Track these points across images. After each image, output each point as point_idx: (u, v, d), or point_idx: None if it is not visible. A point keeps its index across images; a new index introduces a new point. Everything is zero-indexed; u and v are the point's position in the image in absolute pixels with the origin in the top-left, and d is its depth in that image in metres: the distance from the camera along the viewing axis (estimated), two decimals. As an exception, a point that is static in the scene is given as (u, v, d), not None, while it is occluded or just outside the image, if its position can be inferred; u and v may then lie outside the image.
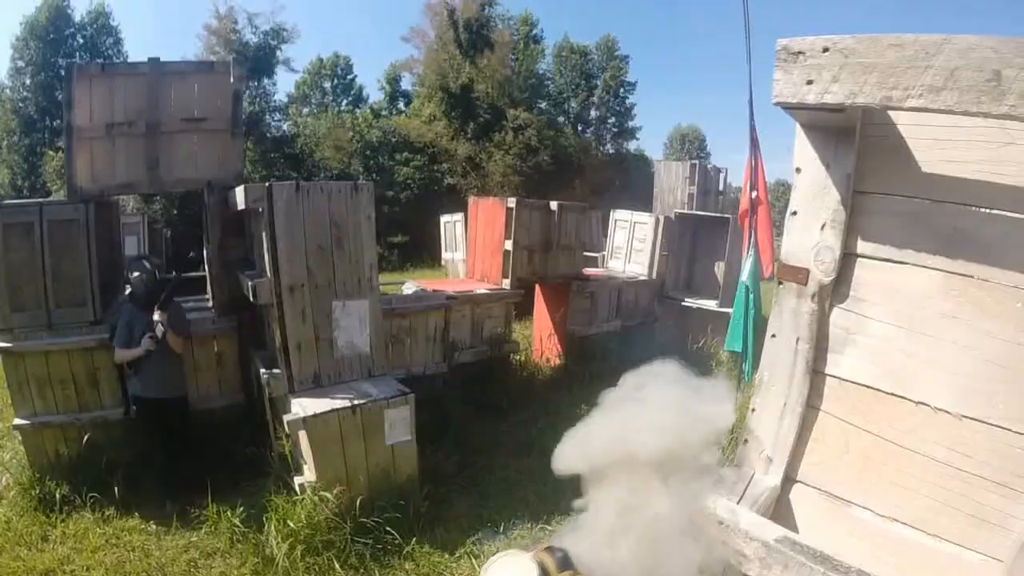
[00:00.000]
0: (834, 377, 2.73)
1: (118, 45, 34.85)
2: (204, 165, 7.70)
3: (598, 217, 18.17)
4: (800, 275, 2.69)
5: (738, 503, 2.69)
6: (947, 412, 2.44)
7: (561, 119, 45.75)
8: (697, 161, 19.48)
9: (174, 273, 7.66)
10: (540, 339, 11.61)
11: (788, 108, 2.41)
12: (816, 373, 2.74)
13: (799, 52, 2.31)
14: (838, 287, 2.65)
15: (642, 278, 12.79)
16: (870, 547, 2.58)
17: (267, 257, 6.27)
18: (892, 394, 2.57)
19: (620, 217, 13.83)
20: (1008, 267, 2.26)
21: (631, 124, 48.85)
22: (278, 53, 37.46)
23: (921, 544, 2.51)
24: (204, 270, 8.38)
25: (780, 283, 2.80)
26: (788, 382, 2.79)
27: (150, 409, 6.54)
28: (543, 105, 44.76)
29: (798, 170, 2.70)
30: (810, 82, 2.28)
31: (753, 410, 2.96)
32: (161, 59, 7.58)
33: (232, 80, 7.75)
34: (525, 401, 9.24)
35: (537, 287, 11.67)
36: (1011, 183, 2.22)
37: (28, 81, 32.01)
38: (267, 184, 6.22)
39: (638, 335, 11.91)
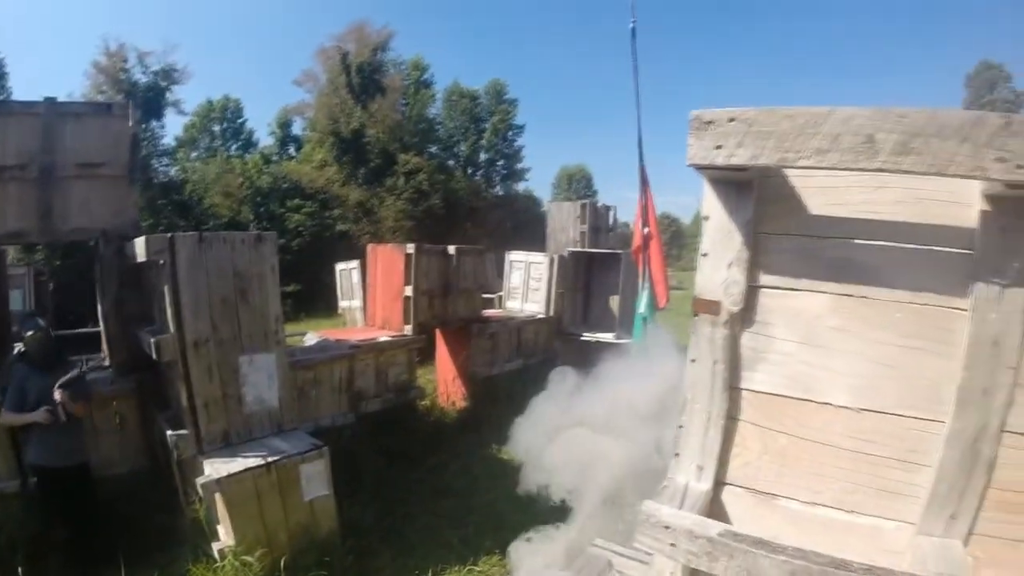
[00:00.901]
0: (749, 390, 3.16)
1: (1, 79, 32.50)
2: (99, 213, 7.38)
3: (492, 259, 18.54)
4: (713, 307, 3.13)
5: (679, 509, 3.01)
6: (848, 408, 2.92)
7: (451, 162, 46.41)
8: (587, 200, 20.21)
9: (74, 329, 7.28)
10: (445, 383, 11.75)
11: (699, 168, 2.89)
12: (733, 389, 3.16)
13: (709, 121, 2.77)
14: (746, 314, 3.10)
15: (540, 316, 13.20)
16: (799, 530, 2.97)
17: (170, 312, 6.16)
18: (800, 399, 3.04)
19: (515, 258, 14.24)
20: (885, 285, 2.82)
21: (520, 166, 50.22)
22: (168, 94, 36.38)
23: (843, 520, 2.96)
24: (94, 325, 8.05)
25: (696, 314, 3.19)
26: (709, 399, 3.20)
27: (49, 479, 5.98)
28: (433, 149, 45.28)
29: (706, 217, 3.14)
30: (719, 147, 2.75)
31: (681, 427, 3.30)
32: (57, 99, 7.32)
33: (130, 123, 7.57)
34: (436, 446, 9.35)
35: (438, 331, 11.84)
36: (884, 219, 2.80)
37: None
38: (169, 235, 6.17)
39: (540, 372, 12.23)
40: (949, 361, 2.70)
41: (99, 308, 7.70)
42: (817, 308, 2.96)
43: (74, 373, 5.99)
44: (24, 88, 44.31)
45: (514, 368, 12.07)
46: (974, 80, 46.07)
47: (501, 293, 15.08)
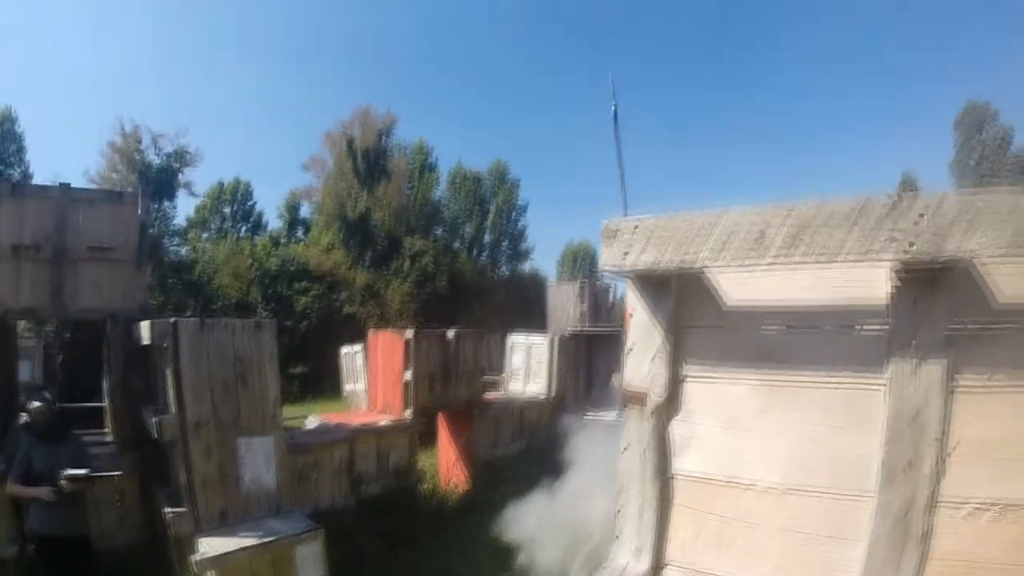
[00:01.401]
0: (680, 475, 3.25)
1: (20, 153, 33.26)
2: (109, 295, 7.68)
3: (496, 340, 18.68)
4: (640, 398, 3.26)
5: (622, 590, 3.11)
6: (774, 488, 2.96)
7: (457, 244, 47.04)
8: (586, 280, 20.49)
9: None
10: (447, 465, 11.70)
11: (612, 272, 3.13)
12: (665, 474, 3.26)
13: (617, 230, 3.06)
14: (672, 404, 3.21)
15: (542, 397, 13.22)
16: (739, 607, 3.04)
17: (171, 393, 6.33)
18: (727, 482, 3.09)
19: (516, 339, 14.40)
20: (803, 368, 2.90)
21: (524, 246, 50.87)
22: (180, 176, 37.37)
23: (782, 595, 3.01)
24: (99, 400, 8.16)
25: (625, 406, 3.35)
26: (642, 484, 3.29)
27: (50, 548, 6.05)
28: (439, 232, 46.03)
29: (631, 314, 3.34)
30: (626, 253, 3.02)
31: (619, 511, 3.40)
32: (71, 185, 7.69)
33: (139, 211, 7.92)
34: (437, 529, 9.25)
35: (440, 414, 11.86)
36: (796, 304, 2.92)
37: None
38: (172, 320, 6.38)
39: (543, 455, 12.18)
40: (872, 436, 2.73)
41: (105, 384, 7.86)
42: (739, 394, 3.05)
43: (82, 473, 6.05)
44: (42, 164, 45.38)
45: (517, 450, 12.04)
46: (962, 122, 46.93)
47: (504, 374, 15.13)
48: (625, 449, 3.36)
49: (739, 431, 3.05)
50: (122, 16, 61.87)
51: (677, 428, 3.22)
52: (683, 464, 3.23)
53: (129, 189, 28.30)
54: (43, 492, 5.90)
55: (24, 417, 6.43)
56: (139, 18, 63.53)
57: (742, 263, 2.72)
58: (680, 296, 3.17)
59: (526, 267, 51.16)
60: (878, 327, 2.69)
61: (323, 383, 25.70)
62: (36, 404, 6.23)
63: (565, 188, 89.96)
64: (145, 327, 6.62)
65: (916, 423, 2.62)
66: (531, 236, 51.43)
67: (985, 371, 2.53)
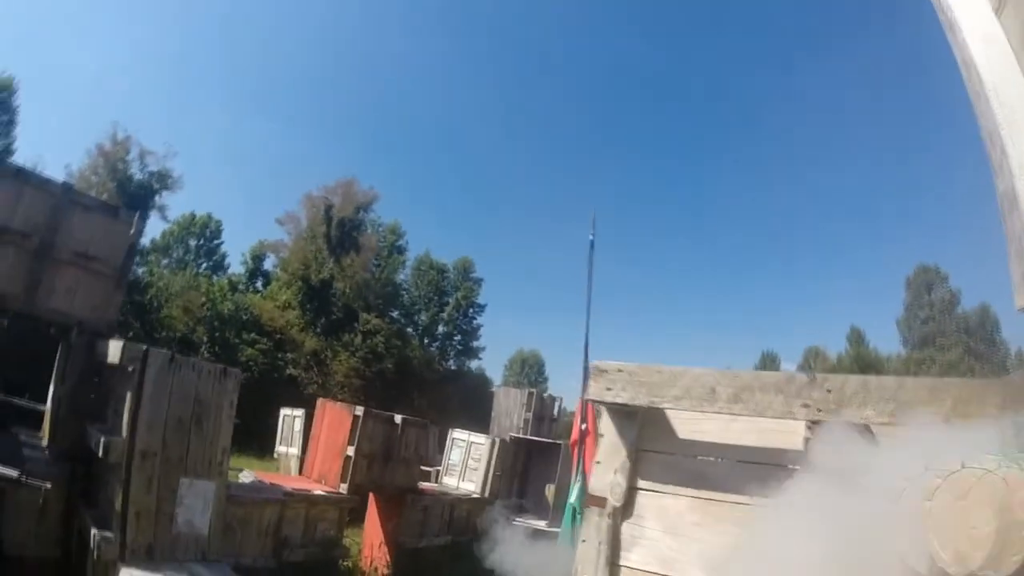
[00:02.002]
0: (626, 567, 3.90)
1: (10, 126, 32.54)
2: (81, 303, 7.59)
3: (436, 432, 18.60)
4: (601, 502, 4.02)
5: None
6: None
7: (410, 330, 47.06)
8: (534, 389, 20.70)
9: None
10: (371, 547, 11.47)
11: (596, 403, 4.04)
12: (614, 565, 3.90)
13: (604, 370, 3.95)
14: (626, 509, 3.95)
15: (475, 496, 13.17)
16: None
17: (126, 417, 6.29)
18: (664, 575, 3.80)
19: (458, 436, 14.44)
20: (731, 491, 3.65)
21: (476, 343, 50.98)
22: (157, 197, 37.04)
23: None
24: (30, 396, 7.92)
25: (587, 507, 4.12)
26: (595, 573, 3.91)
27: None
28: (395, 314, 46.09)
29: (602, 435, 4.19)
30: (609, 388, 3.89)
31: None
32: (74, 185, 7.69)
33: (132, 232, 7.97)
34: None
35: (372, 495, 11.73)
36: (732, 443, 3.72)
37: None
38: (144, 348, 6.41)
39: (468, 551, 12.04)
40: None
41: (51, 390, 7.67)
42: (679, 506, 3.80)
43: (12, 475, 5.87)
44: (27, 143, 44.30)
45: (442, 543, 11.90)
46: (913, 282, 49.40)
47: (439, 467, 15.06)
48: (583, 541, 4.02)
49: (676, 535, 3.78)
50: (143, 26, 63.18)
51: (628, 529, 3.92)
52: (630, 559, 3.89)
53: (105, 196, 28.36)
54: None
55: None
56: (159, 34, 64.93)
57: (696, 409, 3.63)
58: (642, 426, 3.99)
59: (474, 365, 51.17)
60: (792, 465, 3.42)
61: (251, 440, 24.85)
62: None
63: (522, 295, 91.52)
64: (115, 347, 6.61)
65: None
66: (483, 337, 51.72)
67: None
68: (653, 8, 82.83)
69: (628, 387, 3.82)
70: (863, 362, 44.67)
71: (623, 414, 4.03)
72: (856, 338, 50.20)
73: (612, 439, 4.06)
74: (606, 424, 4.19)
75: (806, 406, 3.25)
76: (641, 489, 3.96)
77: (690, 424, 3.89)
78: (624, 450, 3.98)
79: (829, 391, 3.24)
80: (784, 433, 3.52)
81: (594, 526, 4.00)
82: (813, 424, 3.31)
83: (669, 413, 3.94)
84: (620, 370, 3.90)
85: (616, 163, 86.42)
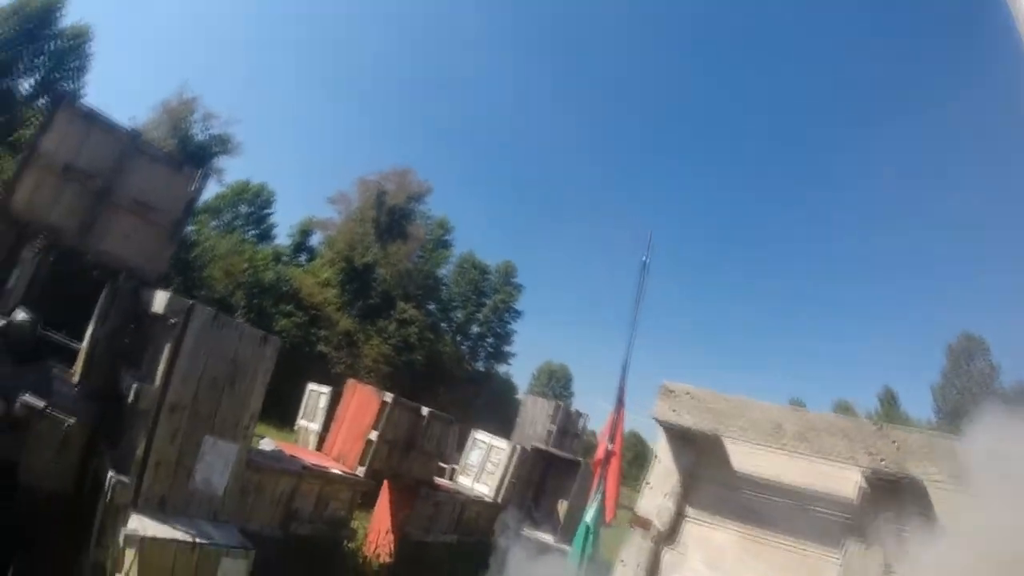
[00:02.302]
0: None
1: (80, 72, 33.02)
2: (133, 250, 7.65)
3: (457, 430, 18.49)
4: (647, 524, 3.98)
5: None
6: None
7: (445, 325, 47.02)
8: (563, 403, 20.46)
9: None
10: (377, 532, 11.40)
11: (659, 423, 3.97)
12: None
13: (672, 391, 3.91)
14: (670, 535, 3.92)
15: (488, 499, 13.01)
16: None
17: (161, 368, 6.28)
18: None
19: (480, 437, 14.30)
20: (778, 532, 3.61)
21: (507, 348, 50.74)
22: (214, 161, 37.30)
23: None
24: (68, 333, 7.98)
25: (632, 527, 4.04)
26: None
27: None
28: (432, 307, 46.07)
29: (657, 458, 4.10)
30: (674, 411, 3.88)
31: None
32: (141, 133, 7.75)
33: (193, 188, 8.02)
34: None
35: (387, 482, 11.66)
36: (787, 483, 3.60)
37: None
38: (190, 302, 6.41)
39: (472, 552, 11.90)
40: None
41: (90, 329, 7.72)
42: (724, 540, 3.77)
43: (39, 405, 5.86)
44: (95, 90, 45.26)
45: (449, 541, 11.78)
46: (954, 350, 47.84)
47: (456, 466, 14.94)
48: (622, 563, 3.98)
49: (716, 570, 3.73)
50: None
51: (669, 556, 3.90)
52: None
53: (169, 152, 28.78)
54: None
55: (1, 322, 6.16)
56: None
57: (760, 443, 3.60)
58: (699, 453, 3.92)
59: (502, 369, 50.98)
60: (842, 515, 3.42)
61: (272, 410, 25.06)
62: (22, 317, 6.01)
63: (559, 307, 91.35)
64: (161, 297, 6.64)
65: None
66: (515, 343, 51.51)
67: (912, 567, 3.17)
68: (732, 48, 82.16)
69: (694, 411, 3.85)
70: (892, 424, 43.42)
71: (681, 438, 3.99)
72: (888, 398, 48.85)
73: (666, 462, 4.09)
74: (662, 446, 4.16)
75: (870, 454, 3.18)
76: (689, 517, 3.93)
77: (747, 458, 3.80)
78: (677, 475, 3.95)
79: (895, 442, 3.19)
80: (841, 480, 3.43)
81: (636, 547, 3.98)
82: (875, 475, 3.24)
83: (728, 443, 3.83)
84: (688, 393, 3.86)
85: (677, 191, 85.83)
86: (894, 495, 3.21)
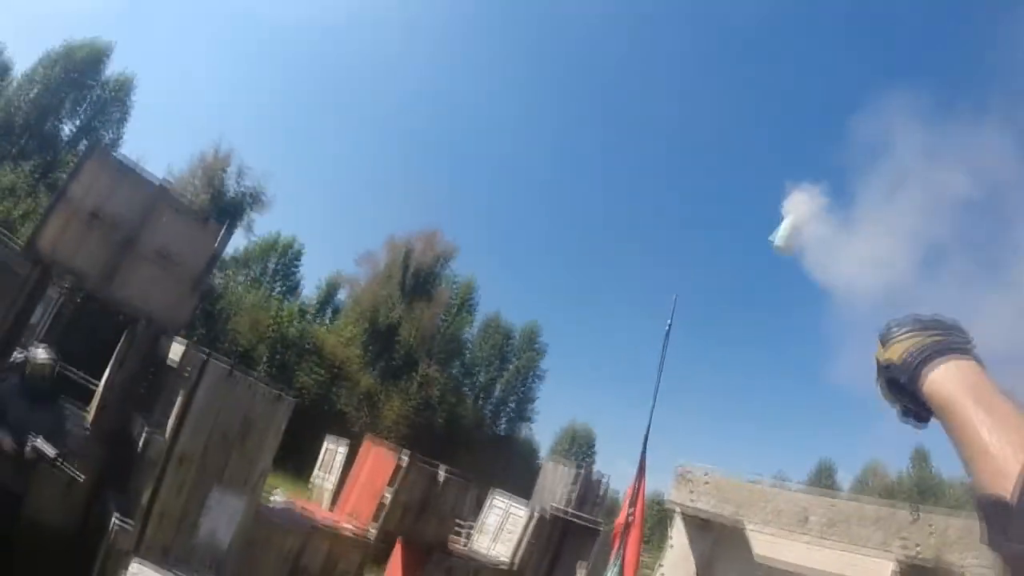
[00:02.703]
0: None
1: (122, 122, 34.67)
2: (154, 300, 7.68)
3: (475, 491, 18.16)
4: None
5: None
6: None
7: (467, 387, 46.72)
8: (582, 469, 20.04)
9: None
10: (388, 596, 11.10)
11: (676, 506, 3.69)
12: None
13: (690, 475, 3.69)
14: None
15: (503, 565, 12.64)
16: None
17: (172, 418, 6.24)
18: None
19: (498, 501, 14.03)
20: None
21: (529, 411, 50.15)
22: (245, 214, 38.23)
23: None
24: (87, 371, 7.98)
25: None
26: None
27: None
28: (455, 369, 45.87)
29: (671, 544, 3.87)
30: (692, 496, 3.60)
31: None
32: (170, 187, 7.90)
33: (217, 243, 8.11)
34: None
35: (399, 543, 11.38)
36: (812, 571, 3.17)
37: (31, 93, 30.98)
38: (206, 357, 6.38)
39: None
40: None
41: (107, 372, 7.72)
42: None
43: (51, 455, 5.76)
44: (133, 139, 46.28)
45: (461, 608, 11.38)
46: None
47: (472, 526, 14.60)
48: None
49: None
50: (261, 47, 66.95)
51: None
52: None
53: (196, 206, 29.49)
54: (5, 441, 5.43)
55: (19, 356, 6.04)
56: (286, 61, 68.52)
57: (784, 535, 3.39)
58: (717, 540, 3.77)
59: (523, 431, 50.34)
60: None
61: (288, 463, 24.83)
62: (42, 357, 5.87)
63: (581, 366, 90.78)
64: (177, 348, 6.68)
65: None
66: (538, 404, 50.94)
67: None
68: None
69: (714, 499, 3.66)
70: (924, 485, 42.14)
71: (698, 524, 3.77)
72: (920, 459, 47.40)
73: (682, 548, 3.88)
74: (678, 531, 3.94)
75: (904, 546, 2.99)
76: None
77: (769, 546, 3.59)
78: (693, 563, 3.80)
79: (931, 530, 2.99)
80: (871, 569, 3.23)
81: None
82: (909, 564, 3.06)
83: (748, 531, 3.63)
84: (707, 480, 3.67)
85: (705, 264, 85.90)
86: None
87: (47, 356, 5.94)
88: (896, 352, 1.07)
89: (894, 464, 48.68)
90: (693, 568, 3.44)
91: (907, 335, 1.07)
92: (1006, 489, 0.79)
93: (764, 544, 3.46)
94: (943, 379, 0.98)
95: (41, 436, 5.64)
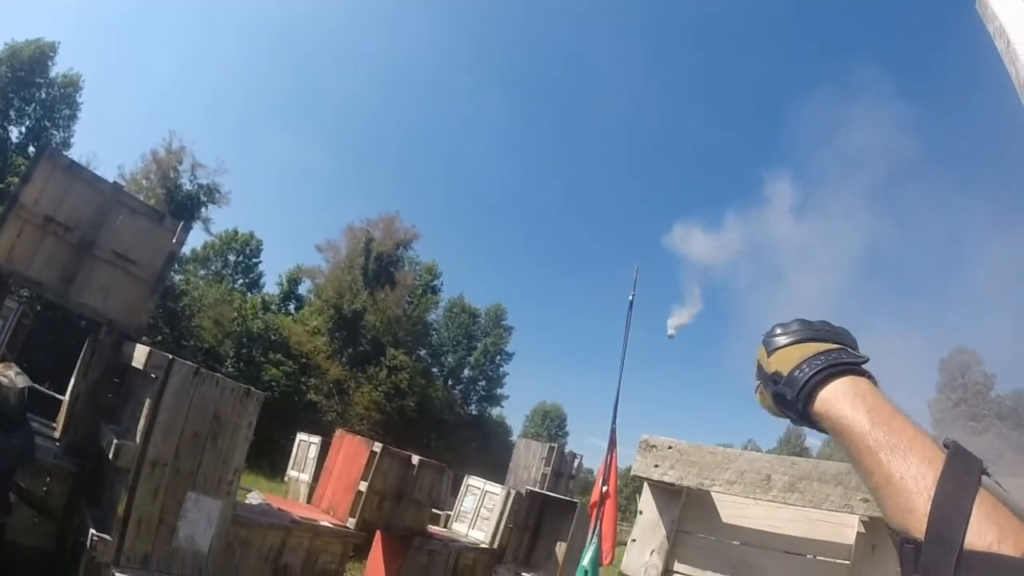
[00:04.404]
0: None
1: (71, 120, 33.98)
2: (113, 303, 7.54)
3: (450, 476, 18.25)
4: None
5: None
6: None
7: (436, 370, 46.81)
8: (556, 445, 20.28)
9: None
10: (370, 586, 11.14)
11: (641, 477, 3.76)
12: None
13: (653, 446, 3.71)
14: None
15: (483, 546, 12.75)
16: None
17: (142, 423, 6.13)
18: None
19: (473, 483, 14.07)
20: None
21: (499, 391, 50.52)
22: (202, 210, 37.69)
23: None
24: (51, 384, 7.79)
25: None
26: None
27: None
28: (423, 352, 45.93)
29: (640, 511, 3.86)
30: (656, 465, 3.66)
31: None
32: (124, 187, 7.73)
33: (174, 240, 7.96)
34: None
35: (379, 533, 11.41)
36: (778, 531, 3.45)
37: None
38: (170, 357, 6.29)
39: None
40: None
41: (72, 382, 7.60)
42: None
43: (33, 500, 5.65)
44: (84, 138, 45.18)
45: (444, 592, 11.48)
46: (948, 364, 47.80)
47: (450, 512, 14.69)
48: None
49: None
50: (213, 41, 65.63)
51: None
52: None
53: (153, 201, 28.94)
54: None
55: None
56: (230, 51, 67.29)
57: (748, 495, 3.37)
58: (686, 506, 3.75)
59: (495, 411, 50.66)
60: (841, 561, 3.25)
61: (262, 459, 24.71)
62: (18, 384, 5.60)
63: (551, 347, 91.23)
64: (141, 351, 6.53)
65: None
66: (507, 385, 51.28)
67: None
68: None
69: (677, 465, 3.59)
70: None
71: (666, 492, 3.77)
72: None
73: (651, 517, 3.81)
74: (646, 500, 3.92)
75: (865, 500, 3.02)
76: (677, 573, 3.67)
77: (736, 508, 3.59)
78: (663, 530, 3.72)
79: None
80: (836, 525, 3.27)
81: None
82: (871, 519, 3.08)
83: (714, 495, 3.66)
84: (670, 447, 3.65)
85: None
86: (890, 539, 3.09)
87: (18, 384, 5.60)
88: (783, 363, 1.00)
89: (860, 424, 49.77)
90: (663, 534, 3.52)
91: (794, 344, 1.01)
92: (915, 527, 0.76)
93: (731, 507, 3.55)
94: (836, 399, 0.92)
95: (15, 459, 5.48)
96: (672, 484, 3.61)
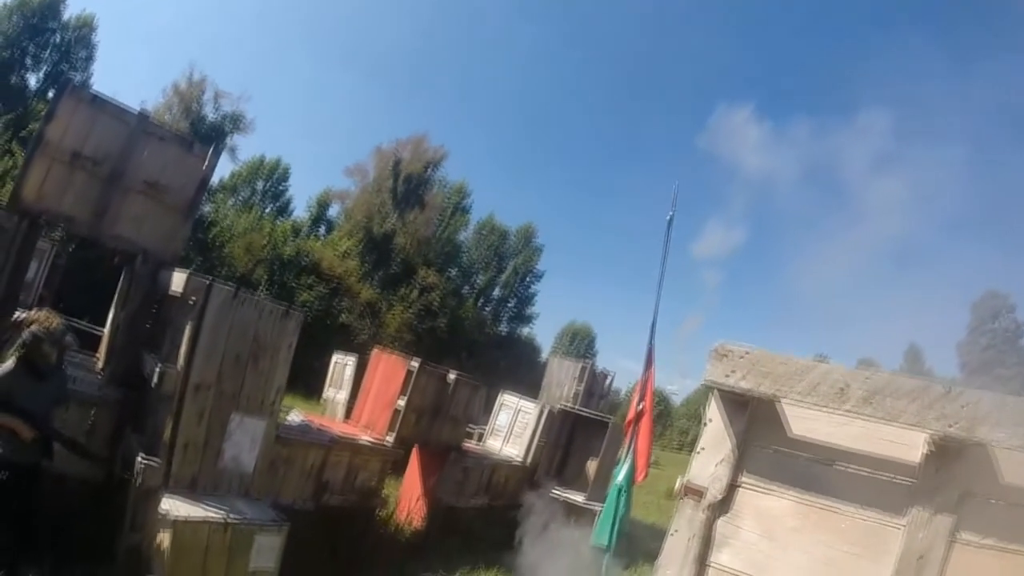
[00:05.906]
0: (715, 566, 3.75)
1: (88, 61, 33.86)
2: (147, 233, 7.62)
3: (484, 393, 18.55)
4: (699, 494, 3.81)
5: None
6: None
7: (466, 290, 47.10)
8: (589, 363, 20.47)
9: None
10: (408, 499, 11.51)
11: (712, 386, 3.76)
12: (702, 563, 3.75)
13: (726, 354, 3.70)
14: (724, 504, 3.76)
15: (517, 462, 13.08)
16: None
17: (183, 349, 6.28)
18: None
19: (507, 400, 14.30)
20: (838, 499, 3.48)
21: (529, 311, 50.81)
22: (228, 139, 37.73)
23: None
24: (90, 319, 7.91)
25: (683, 497, 3.89)
26: (681, 567, 3.78)
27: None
28: (453, 272, 46.10)
29: (709, 420, 3.90)
30: (728, 375, 3.65)
31: None
32: (150, 115, 7.74)
33: (204, 166, 7.97)
34: (384, 560, 9.07)
35: (416, 449, 11.73)
36: (845, 447, 3.50)
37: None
38: (209, 281, 6.38)
39: (503, 516, 12.00)
40: (882, 568, 3.28)
41: (111, 315, 7.76)
42: (781, 509, 3.62)
43: (77, 446, 5.70)
44: (105, 78, 45.27)
45: (479, 505, 11.87)
46: (978, 308, 47.56)
47: (484, 429, 15.02)
48: (673, 533, 3.87)
49: (772, 540, 3.60)
50: None
51: (722, 526, 3.75)
52: (720, 558, 3.74)
53: (180, 133, 28.67)
54: (25, 430, 5.08)
55: (20, 315, 5.55)
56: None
57: (823, 407, 3.37)
58: (753, 417, 3.75)
59: (524, 331, 51.12)
60: (906, 480, 3.30)
61: (298, 381, 25.18)
62: (61, 337, 5.32)
63: (581, 267, 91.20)
64: (179, 277, 6.62)
65: (921, 563, 3.19)
66: (538, 304, 51.51)
67: (983, 533, 3.11)
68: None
69: (751, 375, 3.58)
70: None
71: (735, 402, 3.75)
72: (913, 356, 48.44)
73: (719, 427, 3.83)
74: (714, 411, 3.90)
75: (940, 418, 3.00)
76: (743, 486, 3.76)
77: (803, 422, 3.59)
78: (731, 440, 3.76)
79: (964, 406, 3.00)
80: (903, 445, 3.26)
81: (687, 518, 3.84)
82: (942, 439, 3.07)
83: (784, 408, 3.65)
84: (743, 356, 3.62)
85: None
86: (961, 460, 3.14)
87: (46, 336, 5.23)
88: None
89: (887, 362, 49.47)
90: (730, 446, 3.55)
91: None
92: None
93: (799, 420, 3.56)
94: None
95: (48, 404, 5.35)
96: (744, 393, 3.63)
